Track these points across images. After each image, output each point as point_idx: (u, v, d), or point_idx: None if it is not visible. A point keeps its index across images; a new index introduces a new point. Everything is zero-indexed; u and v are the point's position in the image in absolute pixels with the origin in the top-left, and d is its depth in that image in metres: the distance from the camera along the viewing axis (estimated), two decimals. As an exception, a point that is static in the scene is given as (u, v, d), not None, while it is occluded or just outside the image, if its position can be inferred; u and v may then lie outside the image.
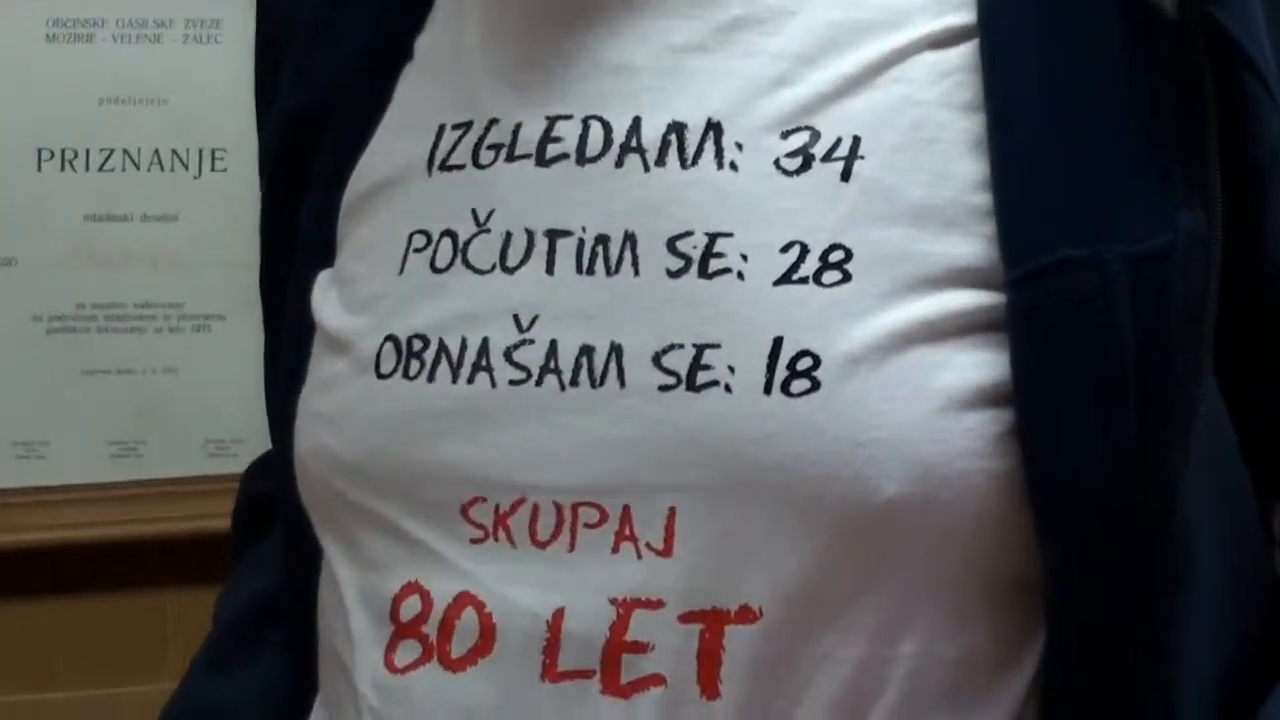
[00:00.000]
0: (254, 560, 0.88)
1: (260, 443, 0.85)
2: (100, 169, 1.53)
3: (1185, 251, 0.61)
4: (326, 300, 0.73)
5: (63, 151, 1.52)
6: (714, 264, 0.62)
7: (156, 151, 1.54)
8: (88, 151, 1.52)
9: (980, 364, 0.61)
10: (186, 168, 1.54)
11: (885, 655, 0.62)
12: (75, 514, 1.52)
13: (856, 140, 0.63)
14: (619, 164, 0.65)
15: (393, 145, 0.73)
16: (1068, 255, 0.61)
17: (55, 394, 1.53)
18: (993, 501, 0.61)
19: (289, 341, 0.76)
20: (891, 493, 0.60)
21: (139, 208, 1.53)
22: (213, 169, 1.54)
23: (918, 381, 0.61)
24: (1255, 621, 0.68)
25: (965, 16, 0.65)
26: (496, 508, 0.65)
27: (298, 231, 0.77)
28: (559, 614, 0.63)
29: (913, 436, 0.60)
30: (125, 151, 1.53)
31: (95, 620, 1.54)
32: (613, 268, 0.64)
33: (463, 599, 0.65)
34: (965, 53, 0.65)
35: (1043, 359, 0.61)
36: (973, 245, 0.62)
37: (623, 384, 0.63)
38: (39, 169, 1.52)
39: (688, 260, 0.63)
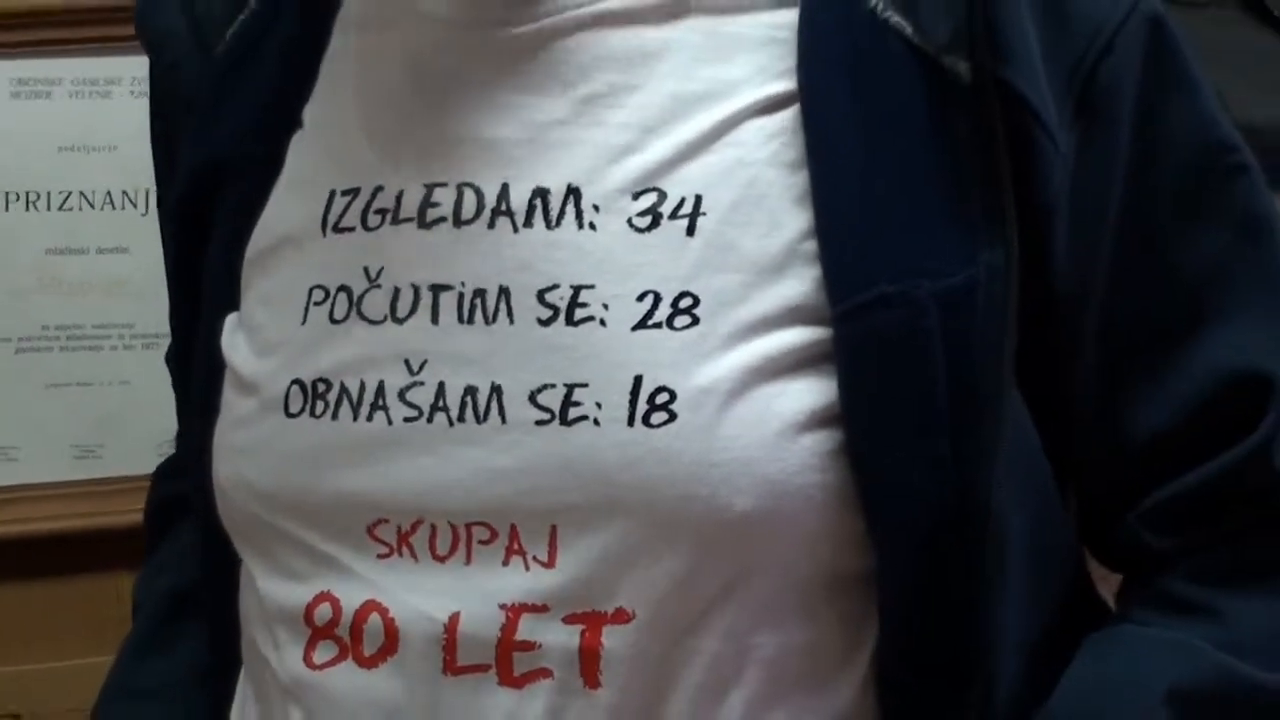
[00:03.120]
0: (167, 556, 0.90)
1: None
2: (60, 208, 1.54)
3: (987, 286, 0.61)
4: (234, 343, 0.72)
5: (27, 194, 1.53)
6: (579, 313, 0.63)
7: (109, 193, 1.54)
8: (49, 194, 1.54)
9: (812, 391, 0.62)
10: (135, 206, 1.54)
11: (743, 647, 0.63)
12: (43, 509, 1.53)
13: (699, 199, 0.64)
14: (491, 226, 0.65)
15: (288, 207, 0.72)
16: (882, 292, 0.61)
17: (24, 405, 1.54)
18: (829, 510, 0.62)
19: (200, 376, 0.75)
20: (743, 507, 0.60)
21: (94, 242, 1.54)
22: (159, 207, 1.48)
23: (760, 409, 0.61)
24: (1057, 585, 0.70)
25: (787, 84, 0.65)
26: (399, 528, 0.65)
27: (202, 278, 0.77)
28: (454, 618, 0.64)
29: (758, 456, 0.61)
30: (82, 193, 1.54)
31: (60, 601, 1.56)
32: (490, 318, 0.64)
33: (368, 606, 0.65)
34: (789, 116, 0.65)
35: (865, 386, 0.62)
36: (804, 286, 0.63)
37: (504, 420, 0.63)
38: (6, 209, 1.53)
39: (556, 310, 0.63)
